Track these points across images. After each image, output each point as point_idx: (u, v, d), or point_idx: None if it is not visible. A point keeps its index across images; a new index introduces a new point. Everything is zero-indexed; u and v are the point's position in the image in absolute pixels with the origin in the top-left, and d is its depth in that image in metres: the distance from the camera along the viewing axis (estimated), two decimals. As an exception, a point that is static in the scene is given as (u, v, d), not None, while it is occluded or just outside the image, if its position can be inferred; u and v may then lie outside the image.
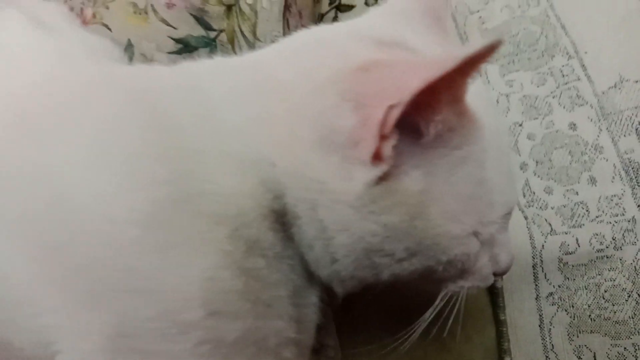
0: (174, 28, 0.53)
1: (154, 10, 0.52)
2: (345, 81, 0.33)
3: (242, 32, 0.54)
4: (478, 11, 0.66)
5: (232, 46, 0.54)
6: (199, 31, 0.53)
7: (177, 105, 0.36)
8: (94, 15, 0.53)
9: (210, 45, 0.53)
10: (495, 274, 0.41)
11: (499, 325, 0.54)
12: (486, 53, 0.28)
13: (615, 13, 0.57)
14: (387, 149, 0.31)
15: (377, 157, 0.31)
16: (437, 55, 0.35)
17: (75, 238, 0.31)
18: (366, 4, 0.70)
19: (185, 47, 0.53)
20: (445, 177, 0.34)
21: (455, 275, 0.38)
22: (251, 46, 0.54)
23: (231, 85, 0.37)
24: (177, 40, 0.53)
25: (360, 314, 0.51)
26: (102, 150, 0.33)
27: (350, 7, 0.70)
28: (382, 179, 0.32)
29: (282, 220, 0.35)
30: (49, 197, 0.32)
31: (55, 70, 0.39)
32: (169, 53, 0.52)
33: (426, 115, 0.32)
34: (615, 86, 0.54)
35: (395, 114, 0.29)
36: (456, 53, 0.28)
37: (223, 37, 0.54)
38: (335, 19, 0.71)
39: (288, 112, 0.34)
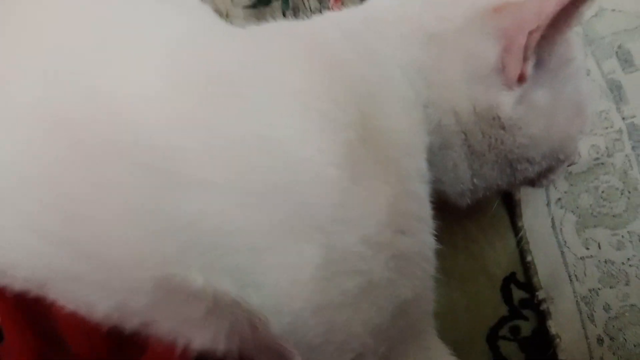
0: None
1: None
2: (484, 21, 0.38)
3: None
4: None
5: None
6: None
7: (350, 58, 0.39)
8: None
9: None
10: None
11: (518, 230, 0.61)
12: None
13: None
14: (530, 69, 0.38)
15: (521, 78, 0.38)
16: None
17: (291, 185, 0.34)
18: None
19: (259, 1, 0.53)
20: (562, 89, 0.41)
21: (557, 169, 0.46)
22: None
23: (383, 37, 0.40)
24: None
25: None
26: (301, 107, 0.36)
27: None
28: (523, 98, 0.39)
29: (431, 151, 0.40)
30: (269, 156, 0.34)
31: (218, 34, 0.41)
32: (244, 7, 0.52)
33: (547, 45, 0.38)
34: (596, 15, 0.62)
35: (536, 37, 0.36)
36: None
37: None
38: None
39: (437, 57, 0.39)
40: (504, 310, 0.60)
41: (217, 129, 0.34)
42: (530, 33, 0.36)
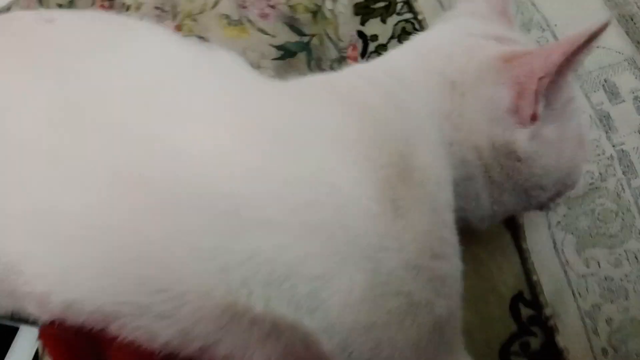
0: (272, 36, 0.56)
1: (250, 21, 0.55)
2: (497, 70, 0.44)
3: (327, 34, 0.59)
4: None
5: (322, 48, 0.58)
6: (294, 37, 0.57)
7: (384, 108, 0.44)
8: (178, 28, 0.53)
9: (305, 48, 0.57)
10: None
11: (522, 252, 0.66)
12: (599, 32, 0.40)
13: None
14: (541, 109, 0.43)
15: (533, 117, 0.44)
16: (564, 38, 0.46)
17: (341, 219, 0.39)
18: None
19: (286, 53, 0.56)
20: (567, 124, 0.47)
21: (564, 193, 0.52)
22: (336, 46, 0.59)
23: (412, 89, 0.46)
24: (278, 47, 0.56)
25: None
26: (346, 152, 0.41)
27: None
28: (535, 134, 0.44)
29: (456, 183, 0.45)
30: (322, 196, 0.39)
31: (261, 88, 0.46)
32: (273, 59, 0.55)
33: (553, 88, 0.43)
34: (583, 52, 0.68)
35: (545, 82, 0.42)
36: (580, 32, 0.40)
37: (315, 40, 0.58)
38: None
39: (459, 103, 0.45)
40: (513, 327, 0.64)
41: (277, 176, 0.39)
42: (540, 79, 0.41)
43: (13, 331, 0.64)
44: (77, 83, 0.42)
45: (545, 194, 0.48)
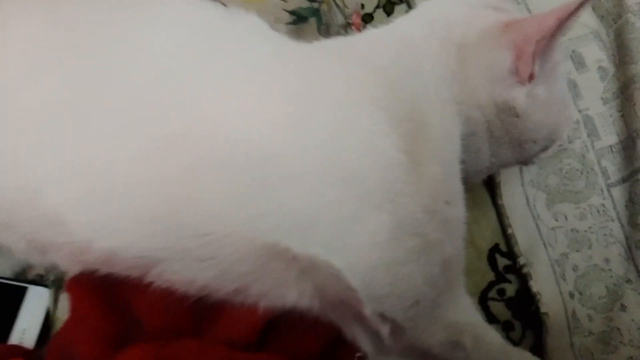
0: (285, 1, 0.61)
1: None
2: (498, 36, 0.49)
3: (334, 1, 0.64)
4: None
5: (330, 14, 0.63)
6: (305, 3, 0.62)
7: (399, 70, 0.48)
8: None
9: (316, 14, 0.61)
10: None
11: (498, 208, 0.72)
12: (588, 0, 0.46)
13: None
14: (537, 69, 0.48)
15: (531, 77, 0.48)
16: (558, 5, 0.51)
17: (369, 168, 0.44)
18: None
19: (298, 18, 0.61)
20: (555, 86, 0.52)
21: (549, 148, 0.57)
22: (342, 12, 0.64)
23: (422, 53, 0.50)
24: (291, 12, 0.61)
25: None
26: (371, 108, 0.45)
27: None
28: (531, 92, 0.49)
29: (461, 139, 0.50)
30: (351, 148, 0.44)
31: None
32: (286, 24, 0.60)
33: (546, 50, 0.49)
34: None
35: (541, 44, 0.47)
36: (570, 2, 0.46)
37: (324, 6, 0.63)
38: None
39: (465, 65, 0.50)
40: (491, 276, 0.71)
41: (308, 132, 0.43)
42: (537, 42, 0.46)
43: (22, 291, 0.65)
44: (106, 47, 0.45)
45: (536, 147, 0.54)
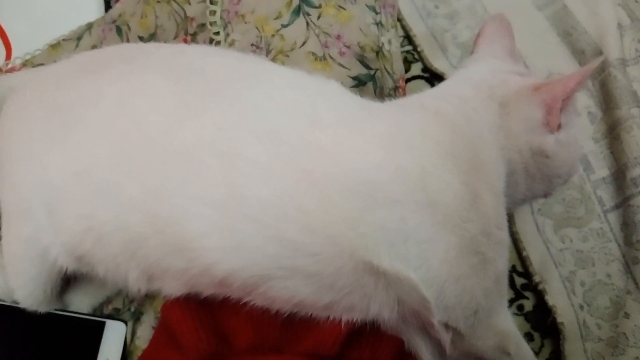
0: (348, 69, 0.69)
1: (331, 57, 0.69)
2: (530, 96, 0.60)
3: (386, 69, 0.74)
4: (449, 30, 0.92)
5: (383, 79, 0.73)
6: (364, 70, 0.70)
7: (460, 122, 0.58)
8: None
9: (372, 79, 0.71)
10: None
11: (513, 235, 0.83)
12: (597, 66, 0.59)
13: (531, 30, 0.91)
14: (563, 121, 0.60)
15: (559, 127, 0.60)
16: (575, 71, 0.63)
17: (440, 198, 0.53)
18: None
19: (359, 82, 0.70)
20: (572, 131, 0.63)
21: (566, 182, 0.68)
22: (392, 78, 0.74)
23: (474, 108, 0.60)
24: (353, 78, 0.70)
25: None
26: (439, 148, 0.55)
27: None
28: (558, 138, 0.60)
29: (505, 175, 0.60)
30: (429, 181, 0.53)
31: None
32: (350, 87, 0.68)
33: (568, 105, 0.60)
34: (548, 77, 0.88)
35: (567, 102, 0.59)
36: (586, 68, 0.58)
37: (378, 73, 0.72)
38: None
39: (506, 119, 0.60)
40: (510, 294, 0.81)
41: (399, 167, 0.52)
42: (563, 100, 0.58)
43: (101, 325, 0.71)
44: (236, 104, 0.55)
45: (560, 181, 0.64)
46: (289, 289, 0.52)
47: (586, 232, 0.82)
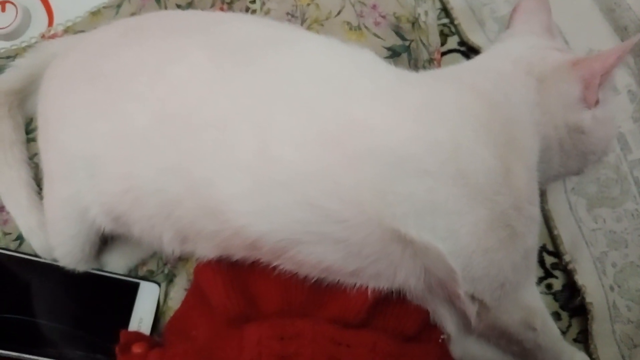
0: (383, 40, 0.69)
1: (366, 27, 0.69)
2: (568, 72, 0.59)
3: (421, 40, 0.73)
4: (488, 4, 0.91)
5: (418, 50, 0.73)
6: (399, 41, 0.70)
7: (495, 92, 0.58)
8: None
9: (407, 50, 0.71)
10: None
11: (545, 212, 0.82)
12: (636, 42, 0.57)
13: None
14: (600, 97, 0.59)
15: (596, 103, 0.59)
16: (617, 46, 0.61)
17: (473, 170, 0.53)
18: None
19: (394, 53, 0.70)
20: (611, 105, 0.62)
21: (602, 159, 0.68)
22: (427, 49, 0.74)
23: (513, 84, 0.60)
24: (388, 49, 0.70)
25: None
26: (473, 121, 0.55)
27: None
28: (594, 115, 0.60)
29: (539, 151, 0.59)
30: (463, 155, 0.54)
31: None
32: (384, 58, 0.67)
33: (606, 81, 0.59)
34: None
35: (605, 78, 0.58)
36: (626, 43, 0.57)
37: (413, 44, 0.72)
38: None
39: (544, 95, 0.60)
40: (540, 272, 0.81)
41: (433, 139, 0.53)
42: (602, 76, 0.57)
43: (135, 286, 0.74)
44: (271, 73, 0.55)
45: (595, 157, 0.64)
46: (317, 254, 0.53)
47: (620, 213, 0.81)
